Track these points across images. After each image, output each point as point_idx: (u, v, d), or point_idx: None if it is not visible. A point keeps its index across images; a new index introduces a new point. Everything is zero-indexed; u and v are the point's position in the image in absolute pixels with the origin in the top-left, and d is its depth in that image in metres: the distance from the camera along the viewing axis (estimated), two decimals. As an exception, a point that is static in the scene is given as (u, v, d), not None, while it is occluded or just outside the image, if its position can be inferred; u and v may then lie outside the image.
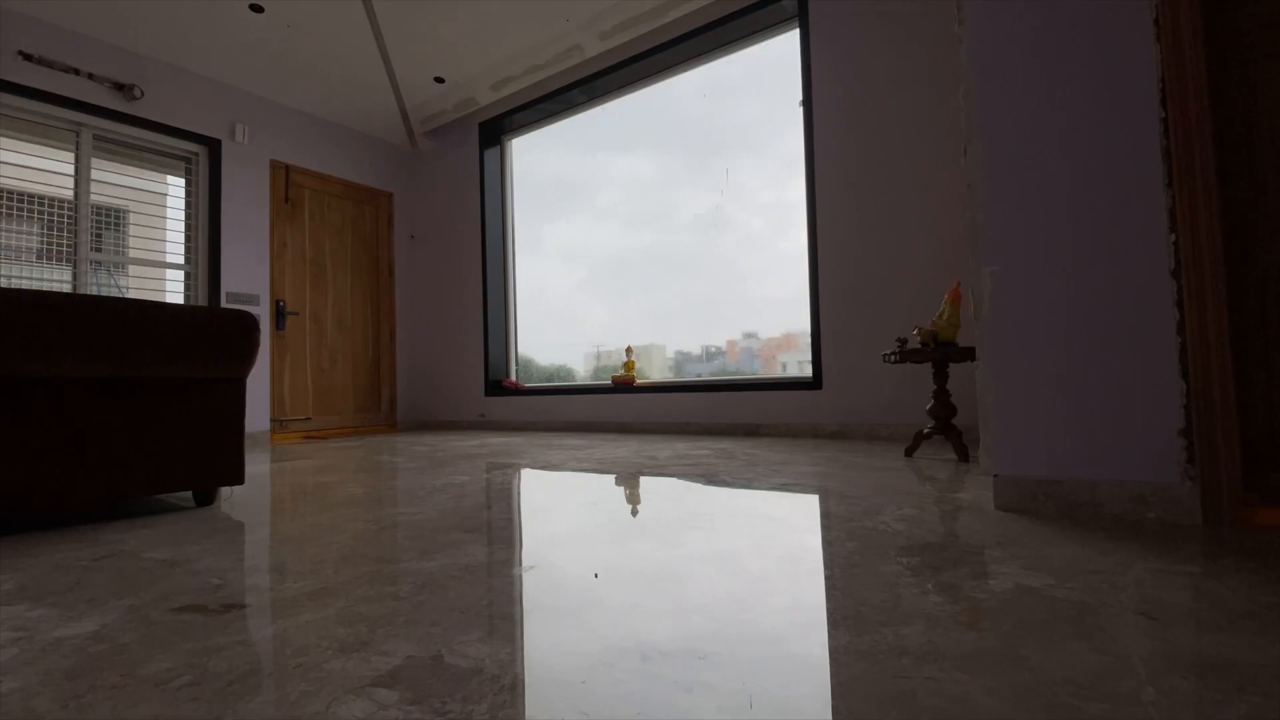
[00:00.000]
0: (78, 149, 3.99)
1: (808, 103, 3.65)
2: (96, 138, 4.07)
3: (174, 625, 0.91)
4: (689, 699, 0.66)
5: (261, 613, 0.95)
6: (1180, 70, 1.34)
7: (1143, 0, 1.39)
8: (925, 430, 2.47)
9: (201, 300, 4.50)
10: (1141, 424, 1.37)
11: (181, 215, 4.51)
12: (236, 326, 1.90)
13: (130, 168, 4.34)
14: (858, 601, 0.92)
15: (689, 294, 4.60)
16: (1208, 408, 1.30)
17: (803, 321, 3.85)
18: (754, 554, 1.19)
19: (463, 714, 0.64)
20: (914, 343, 3.20)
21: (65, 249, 3.94)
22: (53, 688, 0.72)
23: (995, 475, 1.53)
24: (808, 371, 3.74)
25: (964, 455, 2.30)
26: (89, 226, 4.00)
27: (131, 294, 4.40)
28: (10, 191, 3.78)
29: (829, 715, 0.62)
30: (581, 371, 5.24)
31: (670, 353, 4.73)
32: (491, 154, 5.48)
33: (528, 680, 0.71)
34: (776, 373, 4.16)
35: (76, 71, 3.90)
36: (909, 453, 2.54)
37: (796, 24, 3.79)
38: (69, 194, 3.96)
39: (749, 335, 4.33)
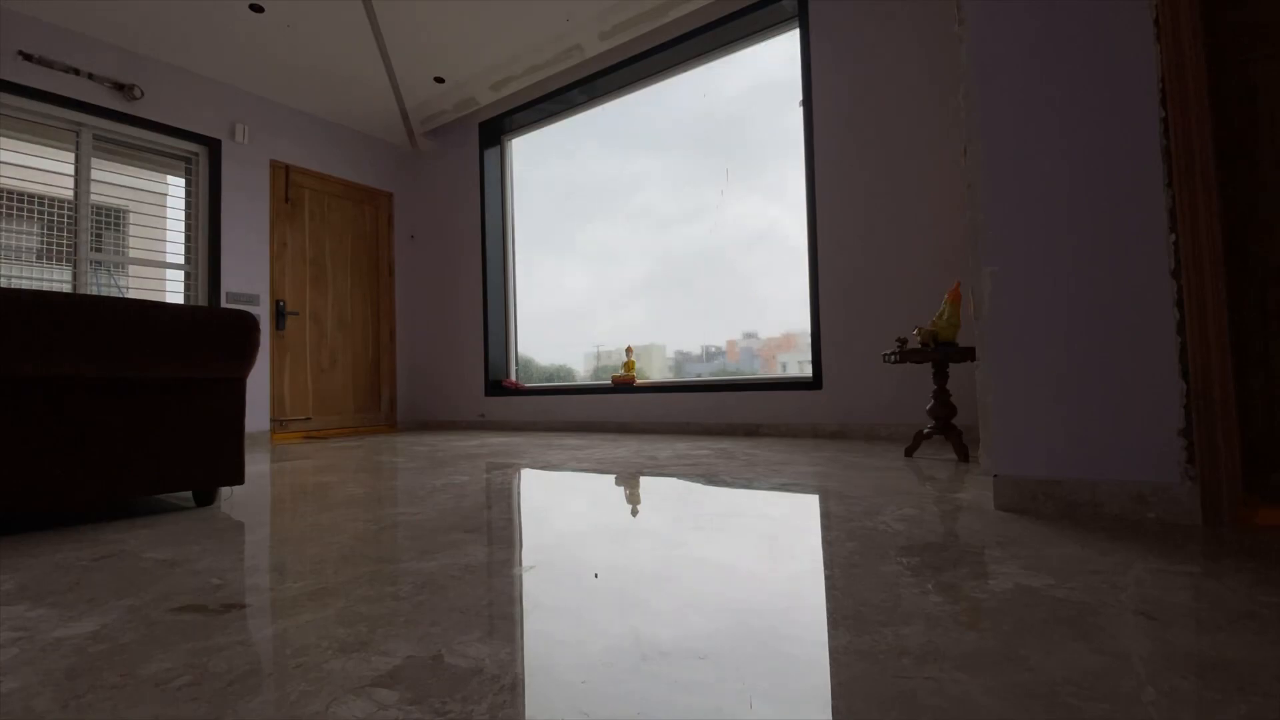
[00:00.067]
0: (78, 149, 3.99)
1: (808, 103, 3.65)
2: (96, 138, 4.07)
3: (174, 625, 0.91)
4: (689, 699, 0.66)
5: (261, 613, 0.95)
6: (1180, 70, 1.34)
7: (1143, 0, 1.39)
8: (925, 430, 2.47)
9: (201, 300, 4.49)
10: (1141, 424, 1.37)
11: (181, 215, 4.51)
12: (236, 326, 1.90)
13: (130, 168, 4.34)
14: (858, 601, 0.92)
15: (689, 294, 4.60)
16: (1208, 408, 1.30)
17: (803, 321, 3.85)
18: (754, 554, 1.19)
19: (462, 714, 0.64)
20: (914, 343, 3.20)
21: (65, 249, 3.94)
22: (53, 688, 0.72)
23: (995, 475, 1.53)
24: (808, 371, 3.73)
25: (964, 455, 2.30)
26: (89, 226, 4.00)
27: (131, 294, 4.40)
28: (10, 191, 3.78)
29: (829, 715, 0.62)
30: (581, 371, 5.24)
31: (670, 353, 4.73)
32: (491, 154, 5.48)
33: (527, 680, 0.71)
34: (776, 373, 4.15)
35: (76, 71, 3.90)
36: (909, 453, 2.54)
37: (796, 24, 3.80)
38: (69, 194, 3.96)
39: (749, 335, 4.33)
